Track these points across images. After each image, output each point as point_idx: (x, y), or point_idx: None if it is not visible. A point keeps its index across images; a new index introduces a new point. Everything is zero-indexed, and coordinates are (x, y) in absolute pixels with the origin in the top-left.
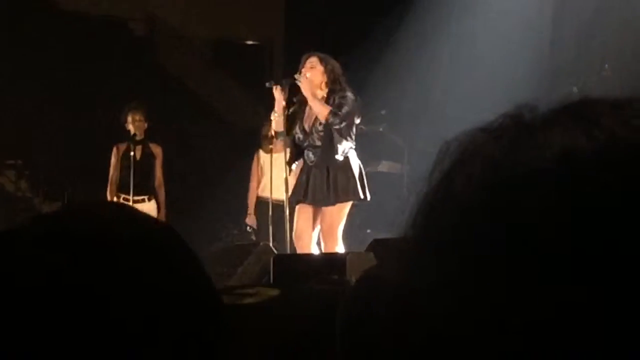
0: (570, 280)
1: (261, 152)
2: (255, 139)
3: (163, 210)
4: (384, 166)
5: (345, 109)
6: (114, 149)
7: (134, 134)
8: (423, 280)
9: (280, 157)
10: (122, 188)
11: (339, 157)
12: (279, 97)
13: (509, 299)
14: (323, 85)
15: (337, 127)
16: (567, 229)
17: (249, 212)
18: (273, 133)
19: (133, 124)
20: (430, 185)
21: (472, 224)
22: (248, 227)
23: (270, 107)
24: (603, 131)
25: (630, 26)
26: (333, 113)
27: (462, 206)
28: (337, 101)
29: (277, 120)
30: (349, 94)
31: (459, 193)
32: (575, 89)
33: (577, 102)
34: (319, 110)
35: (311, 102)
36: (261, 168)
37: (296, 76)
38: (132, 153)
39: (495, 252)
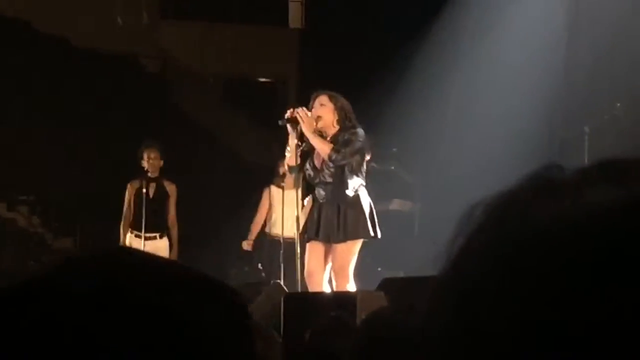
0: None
1: (273, 188)
2: (267, 175)
3: (175, 248)
4: (395, 204)
5: (353, 145)
6: (128, 186)
7: (147, 171)
8: (442, 327)
9: (291, 193)
10: (135, 225)
11: (350, 192)
12: (292, 133)
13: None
14: (335, 123)
15: (341, 163)
16: (605, 279)
17: (249, 238)
18: (286, 168)
19: (148, 162)
20: (452, 251)
21: (508, 279)
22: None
23: (284, 144)
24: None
25: None
26: (335, 150)
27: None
28: (345, 137)
29: (290, 156)
30: (360, 131)
31: (493, 248)
32: (587, 129)
33: (607, 161)
34: (320, 147)
35: (312, 140)
36: (271, 204)
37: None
38: (144, 190)
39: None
